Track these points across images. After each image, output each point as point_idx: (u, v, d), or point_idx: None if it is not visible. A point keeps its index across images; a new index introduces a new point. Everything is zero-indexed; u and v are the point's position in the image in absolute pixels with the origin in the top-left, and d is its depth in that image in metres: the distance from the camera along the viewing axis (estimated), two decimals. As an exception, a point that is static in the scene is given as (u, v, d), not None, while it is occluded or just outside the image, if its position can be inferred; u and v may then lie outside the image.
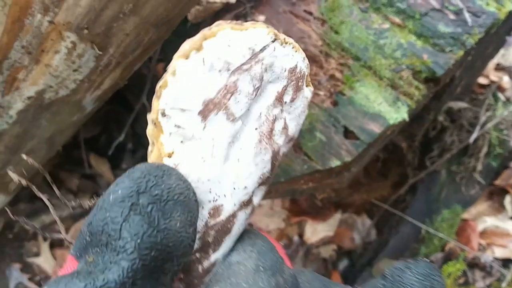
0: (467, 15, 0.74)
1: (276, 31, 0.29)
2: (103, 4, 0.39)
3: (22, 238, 1.11)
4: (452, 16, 0.75)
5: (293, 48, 0.30)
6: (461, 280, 0.93)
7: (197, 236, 0.29)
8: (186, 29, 0.70)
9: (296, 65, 0.31)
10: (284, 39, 0.30)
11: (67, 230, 1.12)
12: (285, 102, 0.31)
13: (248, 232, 0.32)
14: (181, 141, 0.28)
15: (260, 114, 0.30)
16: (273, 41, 0.29)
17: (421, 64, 0.73)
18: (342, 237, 1.10)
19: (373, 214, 1.09)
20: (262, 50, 0.29)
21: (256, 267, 0.27)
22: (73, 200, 1.24)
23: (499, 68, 1.16)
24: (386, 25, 0.76)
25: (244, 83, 0.28)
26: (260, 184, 0.31)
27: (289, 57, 0.30)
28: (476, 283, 0.92)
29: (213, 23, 0.80)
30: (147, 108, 0.82)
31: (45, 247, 1.10)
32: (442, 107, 0.96)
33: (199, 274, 0.29)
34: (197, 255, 0.29)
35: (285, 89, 0.31)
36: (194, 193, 0.27)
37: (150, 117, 0.28)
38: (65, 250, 1.11)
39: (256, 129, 0.30)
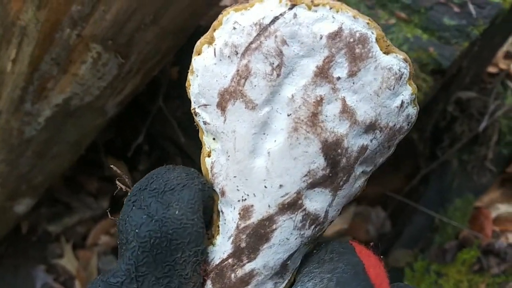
0: (471, 7, 0.75)
1: None
2: (126, 17, 0.42)
3: (45, 240, 1.14)
4: (456, 9, 0.76)
5: (330, 9, 0.25)
6: (476, 267, 0.94)
7: (229, 239, 0.27)
8: (199, 33, 0.72)
9: (340, 29, 0.25)
10: (312, 1, 0.25)
11: (88, 232, 1.15)
12: (338, 78, 0.25)
13: (331, 248, 0.27)
14: (213, 138, 0.27)
15: (293, 96, 0.25)
16: (290, 8, 0.25)
17: (427, 57, 0.75)
18: (357, 229, 1.12)
19: (387, 205, 1.11)
20: (273, 21, 0.25)
21: None
22: (94, 202, 1.27)
23: (508, 56, 1.17)
24: (393, 21, 0.78)
25: (258, 64, 0.25)
26: (313, 186, 0.26)
27: (326, 20, 0.25)
28: (491, 270, 0.94)
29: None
30: (163, 111, 0.85)
31: (68, 248, 1.13)
32: (451, 98, 0.98)
33: (232, 283, 0.27)
34: (230, 260, 0.27)
35: (329, 61, 0.25)
36: (200, 183, 0.26)
37: (195, 121, 0.28)
38: (87, 251, 1.14)
39: (289, 115, 0.25)
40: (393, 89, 0.26)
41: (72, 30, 0.42)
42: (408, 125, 0.27)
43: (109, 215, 0.29)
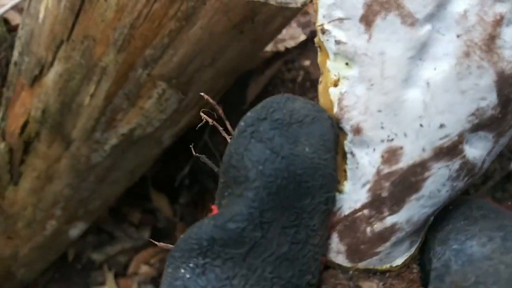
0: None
1: None
2: (189, 60, 0.50)
3: (89, 268, 1.19)
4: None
5: None
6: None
7: (364, 186, 0.23)
8: (242, 75, 0.81)
9: None
10: None
11: (129, 261, 1.19)
12: None
13: (477, 205, 0.23)
14: (346, 63, 0.22)
15: (465, 12, 0.20)
16: None
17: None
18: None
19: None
20: None
21: None
22: (135, 232, 1.33)
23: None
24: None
25: None
26: (477, 128, 0.21)
27: None
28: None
29: (265, 69, 0.91)
30: (209, 145, 0.92)
31: (110, 277, 1.17)
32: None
33: (367, 238, 0.23)
34: (366, 212, 0.23)
35: None
36: (330, 118, 0.22)
37: (316, 42, 0.24)
38: (127, 280, 1.18)
39: (458, 36, 0.20)
40: None
41: (143, 70, 0.51)
42: None
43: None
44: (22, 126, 0.64)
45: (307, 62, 0.84)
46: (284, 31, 0.72)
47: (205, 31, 0.47)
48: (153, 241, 0.31)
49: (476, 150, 0.22)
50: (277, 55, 0.87)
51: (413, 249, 0.24)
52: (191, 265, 0.22)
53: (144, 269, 1.16)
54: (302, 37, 0.88)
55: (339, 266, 0.24)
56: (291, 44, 0.84)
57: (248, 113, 0.23)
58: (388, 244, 0.23)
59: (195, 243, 0.22)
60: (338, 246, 0.24)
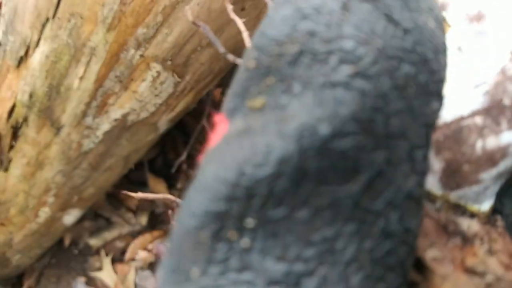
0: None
1: None
2: (186, 39, 0.46)
3: (86, 253, 1.17)
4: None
5: None
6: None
7: (482, 87, 0.17)
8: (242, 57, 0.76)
9: None
10: None
11: (126, 247, 1.18)
12: None
13: None
14: None
15: None
16: None
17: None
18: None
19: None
20: None
21: None
22: (133, 218, 1.31)
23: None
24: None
25: None
26: None
27: None
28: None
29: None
30: (206, 130, 0.89)
31: (107, 262, 1.16)
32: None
33: (475, 156, 0.17)
34: (478, 120, 0.17)
35: None
36: None
37: None
38: (125, 266, 1.16)
39: None
40: None
41: (136, 51, 0.47)
42: None
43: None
44: (10, 110, 0.61)
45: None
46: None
47: (202, 8, 0.43)
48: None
49: None
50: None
51: (494, 197, 0.19)
52: (249, 224, 0.13)
53: (142, 254, 1.15)
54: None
55: (426, 192, 0.18)
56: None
57: None
58: (494, 171, 0.17)
59: (259, 183, 0.12)
60: (431, 162, 0.17)
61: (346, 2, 0.13)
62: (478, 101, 0.17)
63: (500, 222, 0.19)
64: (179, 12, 0.44)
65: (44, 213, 0.77)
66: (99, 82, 0.51)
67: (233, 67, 0.70)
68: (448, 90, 0.16)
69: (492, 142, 0.17)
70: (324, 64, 0.13)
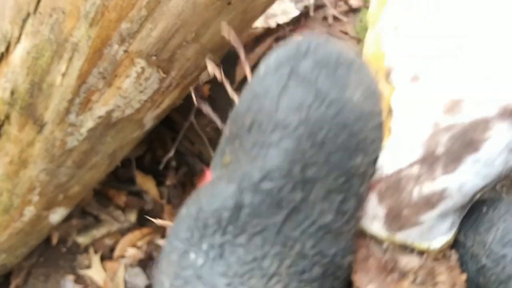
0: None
1: None
2: (170, 34, 0.45)
3: (74, 251, 1.17)
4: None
5: None
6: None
7: (418, 142, 0.20)
8: (231, 52, 0.76)
9: None
10: None
11: (115, 244, 1.18)
12: None
13: None
14: (404, 9, 0.19)
15: None
16: None
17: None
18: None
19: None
20: None
21: None
22: (121, 215, 1.30)
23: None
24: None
25: None
26: None
27: None
28: None
29: (255, 46, 0.86)
30: (194, 127, 0.88)
31: (96, 260, 1.15)
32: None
33: (411, 202, 0.20)
34: (415, 169, 0.20)
35: None
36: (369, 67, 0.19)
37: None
38: (114, 263, 1.16)
39: None
40: None
41: (120, 46, 0.46)
42: None
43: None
44: (-9, 107, 0.59)
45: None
46: (275, 6, 0.67)
47: (187, 2, 0.42)
48: (153, 220, 0.28)
49: None
50: (268, 31, 0.83)
51: (451, 234, 0.22)
52: (204, 247, 0.17)
53: (131, 251, 1.15)
54: (295, 13, 0.84)
55: (373, 236, 0.21)
56: (283, 19, 0.79)
57: (278, 50, 0.19)
58: (434, 213, 0.20)
59: (210, 216, 0.17)
60: (375, 210, 0.20)
61: (284, 85, 0.18)
62: (415, 152, 0.20)
63: (453, 256, 0.22)
64: (163, 7, 0.43)
65: (29, 212, 0.76)
66: (82, 78, 0.50)
67: (221, 64, 0.69)
68: (390, 145, 0.20)
69: (428, 188, 0.20)
70: (265, 130, 0.17)
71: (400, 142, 0.20)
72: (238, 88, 0.77)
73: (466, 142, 0.19)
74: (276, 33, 0.80)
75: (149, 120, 0.60)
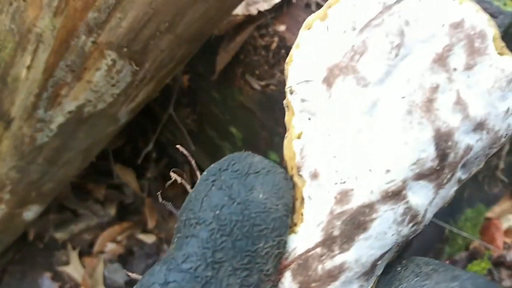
0: (484, 17, 0.75)
1: None
2: (142, 24, 0.42)
3: (52, 247, 1.14)
4: (469, 19, 0.75)
5: (455, 0, 0.24)
6: (487, 279, 0.93)
7: (319, 226, 0.25)
8: (210, 41, 0.73)
9: (463, 20, 0.24)
10: None
11: (94, 239, 1.16)
12: (455, 69, 0.24)
13: (425, 262, 0.26)
14: (309, 118, 0.26)
15: (409, 79, 0.24)
16: None
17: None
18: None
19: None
20: (398, 1, 0.24)
21: None
22: (101, 209, 1.27)
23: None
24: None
25: (377, 41, 0.24)
26: (419, 177, 0.24)
27: (450, 10, 0.24)
28: (503, 282, 0.93)
29: (236, 35, 0.82)
30: (174, 118, 0.85)
31: (74, 256, 1.13)
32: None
33: (317, 276, 0.25)
34: (318, 250, 0.25)
35: (448, 49, 0.24)
36: (283, 172, 0.26)
37: (284, 103, 0.27)
38: (93, 259, 1.13)
39: (403, 97, 0.24)
40: (504, 91, 0.25)
41: (87, 37, 0.43)
42: (505, 137, 0.26)
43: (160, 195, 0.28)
44: (-46, 102, 0.56)
45: (282, 27, 0.76)
46: (256, -8, 0.64)
47: (159, -11, 0.39)
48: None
49: (419, 198, 0.25)
50: (249, 19, 0.80)
51: None
52: None
53: (111, 247, 1.12)
54: (276, -1, 0.81)
55: None
56: (264, 6, 0.76)
57: (212, 165, 0.25)
58: (337, 283, 0.25)
59: None
60: (290, 285, 0.25)
61: (208, 191, 0.24)
62: (317, 235, 0.25)
63: None
64: (133, -6, 0.40)
65: (1, 210, 0.73)
66: (49, 71, 0.46)
67: (201, 53, 0.66)
68: (302, 229, 0.25)
69: (329, 264, 0.25)
70: (191, 225, 0.23)
71: (308, 227, 0.25)
72: (218, 78, 0.74)
73: (356, 224, 0.24)
74: (258, 21, 0.77)
75: (123, 114, 0.57)
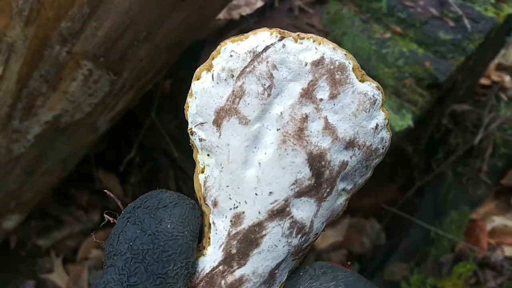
0: (466, 22, 0.75)
1: (284, 31, 0.29)
2: (119, 33, 0.40)
3: (35, 255, 1.12)
4: (451, 23, 0.76)
5: (314, 41, 0.29)
6: (472, 281, 0.94)
7: (220, 247, 0.29)
8: (192, 46, 0.72)
9: (322, 57, 0.29)
10: (299, 35, 0.29)
11: (78, 246, 1.14)
12: (321, 100, 0.29)
13: (319, 266, 0.30)
14: (207, 154, 0.30)
15: (282, 113, 0.29)
16: (280, 40, 0.28)
17: (423, 72, 0.74)
18: (351, 241, 1.11)
19: (382, 218, 1.10)
20: (265, 49, 0.28)
21: None
22: (84, 215, 1.25)
23: (500, 68, 1.18)
24: (388, 35, 0.78)
25: (251, 85, 0.28)
26: (300, 194, 0.29)
27: (310, 51, 0.29)
28: (488, 283, 0.93)
29: (218, 39, 0.81)
30: (156, 123, 0.83)
31: (58, 263, 1.11)
32: (445, 110, 0.98)
33: None
34: (221, 267, 0.29)
35: (313, 84, 0.29)
36: (191, 202, 0.29)
37: (190, 142, 0.30)
38: (77, 266, 1.12)
39: (278, 129, 0.29)
40: (369, 112, 0.29)
41: (62, 47, 0.41)
42: (383, 148, 0.30)
43: (94, 237, 0.31)
44: None
45: (264, 31, 0.75)
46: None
47: (136, -2, 0.38)
48: (98, 232, 0.31)
49: (303, 212, 0.29)
50: (231, 23, 0.79)
51: None
52: None
53: (95, 253, 1.10)
54: (259, 3, 0.80)
55: None
56: (246, 11, 0.75)
57: (129, 204, 0.29)
58: None
59: None
60: None
61: (124, 226, 0.27)
62: (220, 255, 0.29)
63: None
64: (108, 3, 0.38)
65: (-21, 220, 0.70)
66: (22, 82, 0.45)
67: (183, 57, 0.65)
68: (209, 251, 0.29)
69: (230, 278, 0.29)
70: (110, 256, 0.27)
71: (213, 248, 0.29)
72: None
73: (249, 242, 0.29)
74: (240, 25, 0.76)
75: (103, 123, 0.56)
